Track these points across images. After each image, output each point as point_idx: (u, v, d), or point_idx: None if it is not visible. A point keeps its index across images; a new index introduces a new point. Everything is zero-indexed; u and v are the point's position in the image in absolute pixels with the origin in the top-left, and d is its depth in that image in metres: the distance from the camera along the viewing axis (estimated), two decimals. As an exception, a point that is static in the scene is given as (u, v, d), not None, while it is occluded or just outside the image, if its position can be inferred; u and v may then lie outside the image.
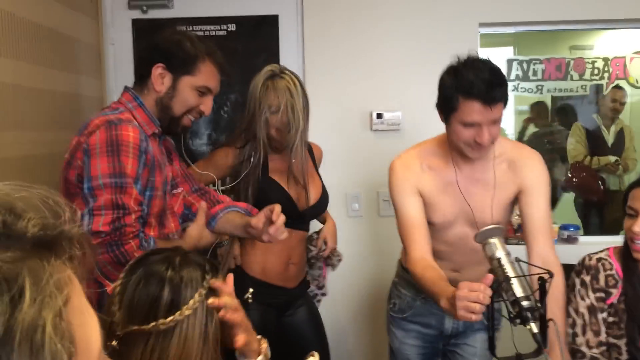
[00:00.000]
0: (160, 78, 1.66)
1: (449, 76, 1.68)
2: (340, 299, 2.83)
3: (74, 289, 0.51)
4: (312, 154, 2.23)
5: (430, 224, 1.83)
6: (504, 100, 1.64)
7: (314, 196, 2.13)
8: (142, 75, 1.70)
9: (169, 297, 1.07)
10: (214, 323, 1.11)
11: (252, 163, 2.04)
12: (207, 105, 1.71)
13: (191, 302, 1.07)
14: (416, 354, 2.01)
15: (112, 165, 1.51)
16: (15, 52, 2.09)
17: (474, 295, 1.42)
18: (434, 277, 1.66)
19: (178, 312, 1.06)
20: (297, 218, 2.07)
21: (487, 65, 1.65)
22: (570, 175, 3.52)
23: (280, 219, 1.65)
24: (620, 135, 3.53)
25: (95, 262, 1.47)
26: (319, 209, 2.19)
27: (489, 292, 1.42)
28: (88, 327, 0.52)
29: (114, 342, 1.04)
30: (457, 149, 1.75)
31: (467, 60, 1.67)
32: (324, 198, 2.18)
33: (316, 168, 2.24)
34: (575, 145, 3.48)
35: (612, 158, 3.49)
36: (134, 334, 1.06)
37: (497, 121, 1.65)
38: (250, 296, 1.97)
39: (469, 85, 1.60)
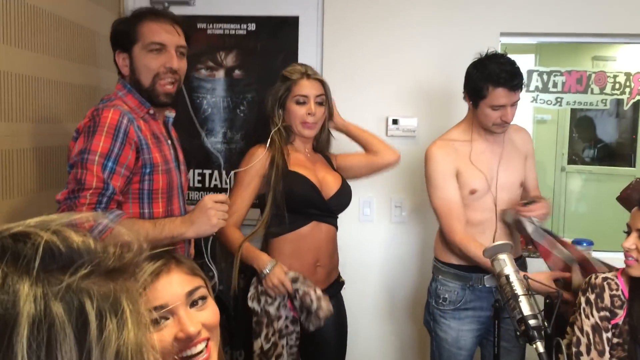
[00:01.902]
0: (123, 62, 1.76)
1: (476, 70, 2.08)
2: (348, 306, 2.83)
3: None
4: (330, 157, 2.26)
5: (475, 193, 2.17)
6: (522, 86, 2.10)
7: (335, 185, 2.13)
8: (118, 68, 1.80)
9: None
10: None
11: (275, 161, 2.06)
12: (169, 59, 1.73)
13: None
14: (472, 337, 2.21)
15: (84, 144, 1.60)
16: (36, 44, 2.11)
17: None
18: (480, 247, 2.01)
19: None
20: (324, 209, 2.07)
21: (507, 59, 2.08)
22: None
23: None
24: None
25: None
26: (343, 198, 2.16)
27: None
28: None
29: None
30: (484, 128, 2.16)
31: (490, 55, 2.10)
32: (345, 187, 2.17)
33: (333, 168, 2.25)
34: None
35: None
36: None
37: (516, 103, 2.10)
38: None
39: (496, 76, 2.02)
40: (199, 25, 2.92)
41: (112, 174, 1.60)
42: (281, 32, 2.91)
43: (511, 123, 2.19)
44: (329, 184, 2.12)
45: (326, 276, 2.10)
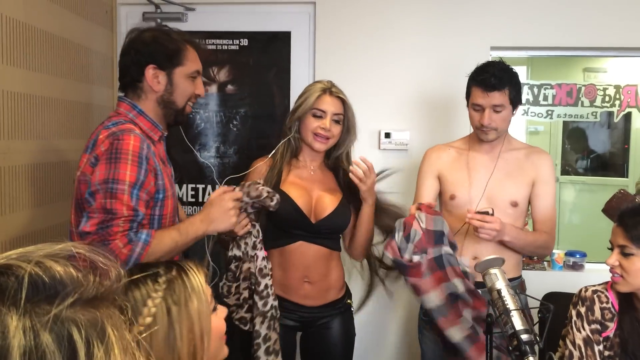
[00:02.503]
0: (155, 78, 1.71)
1: (472, 75, 2.14)
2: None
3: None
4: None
5: (454, 199, 2.15)
6: (502, 88, 2.05)
7: (330, 206, 2.06)
8: (132, 82, 1.74)
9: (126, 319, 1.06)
10: (183, 318, 1.06)
11: (268, 174, 2.05)
12: (199, 87, 1.81)
13: (145, 310, 1.04)
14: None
15: (108, 172, 1.58)
16: (28, 61, 2.12)
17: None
18: None
19: (136, 326, 1.02)
20: (311, 231, 2.03)
21: (497, 64, 2.13)
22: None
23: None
24: None
25: None
26: (335, 221, 2.07)
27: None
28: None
29: None
30: (476, 134, 2.18)
31: (487, 61, 2.19)
32: (339, 211, 2.07)
33: (342, 187, 2.15)
34: None
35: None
36: None
37: (498, 107, 2.06)
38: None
39: (476, 75, 2.10)
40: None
41: (139, 200, 1.61)
42: (273, 47, 2.93)
43: (538, 148, 2.21)
44: (324, 205, 2.06)
45: (317, 293, 2.05)
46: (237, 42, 2.93)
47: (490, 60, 2.20)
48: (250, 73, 2.95)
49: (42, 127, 2.23)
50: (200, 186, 2.99)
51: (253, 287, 1.90)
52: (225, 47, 2.94)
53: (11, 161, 2.02)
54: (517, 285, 2.16)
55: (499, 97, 2.05)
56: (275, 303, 1.92)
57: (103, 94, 2.80)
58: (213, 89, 2.98)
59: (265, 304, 1.88)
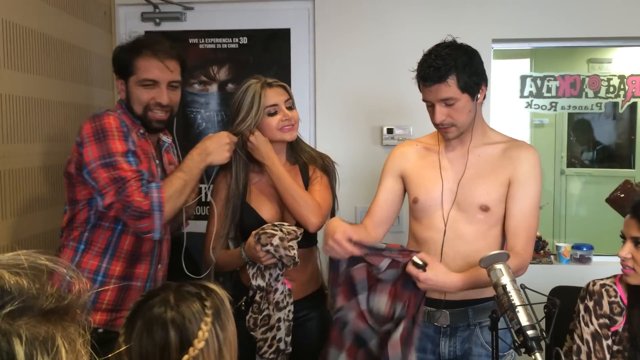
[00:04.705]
0: (120, 87, 1.90)
1: (417, 68, 1.83)
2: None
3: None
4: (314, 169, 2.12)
5: (417, 203, 1.88)
6: (444, 79, 1.74)
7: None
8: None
9: (177, 338, 1.06)
10: (227, 344, 1.10)
11: (231, 189, 2.00)
12: (159, 94, 1.86)
13: (200, 333, 1.07)
14: None
15: (99, 149, 1.73)
16: (27, 65, 2.11)
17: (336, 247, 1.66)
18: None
19: (191, 349, 1.05)
20: None
21: (438, 49, 1.80)
22: None
23: None
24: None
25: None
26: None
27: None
28: None
29: None
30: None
31: (430, 48, 1.84)
32: None
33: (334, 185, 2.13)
34: None
35: None
36: None
37: (448, 101, 1.76)
38: (243, 304, 1.97)
39: (418, 68, 1.81)
40: (191, 40, 2.92)
41: (138, 164, 1.75)
42: (273, 44, 2.91)
43: (522, 142, 1.88)
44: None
45: (296, 288, 2.02)
46: (237, 40, 2.91)
47: (440, 43, 1.84)
48: (250, 71, 2.91)
49: (41, 131, 2.22)
50: (203, 186, 2.97)
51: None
52: (225, 45, 2.92)
53: (10, 164, 2.01)
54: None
55: (445, 89, 1.74)
56: (288, 339, 1.91)
57: (102, 95, 2.78)
58: (213, 88, 2.96)
59: (274, 337, 1.88)
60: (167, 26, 2.90)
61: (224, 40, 2.92)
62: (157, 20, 2.89)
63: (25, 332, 0.49)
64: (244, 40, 2.92)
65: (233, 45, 2.92)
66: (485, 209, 1.79)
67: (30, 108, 2.14)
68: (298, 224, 1.95)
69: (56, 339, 0.51)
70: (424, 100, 1.82)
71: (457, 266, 1.76)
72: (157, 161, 1.92)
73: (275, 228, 1.84)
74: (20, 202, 2.06)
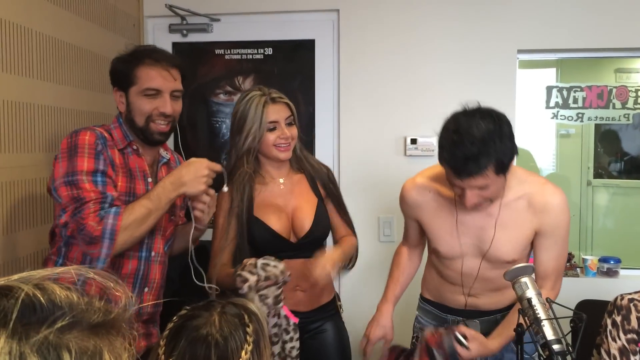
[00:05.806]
0: (119, 99, 1.82)
1: (442, 150, 1.64)
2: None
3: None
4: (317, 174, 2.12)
5: (437, 252, 1.91)
6: (481, 171, 1.59)
7: (309, 216, 2.02)
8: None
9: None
10: None
11: (235, 205, 1.97)
12: (163, 104, 1.79)
13: (243, 353, 1.09)
14: None
15: (67, 166, 1.67)
16: (58, 75, 2.17)
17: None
18: (392, 274, 2.10)
19: None
20: (294, 249, 1.98)
21: (468, 135, 1.58)
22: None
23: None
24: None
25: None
26: (315, 236, 2.02)
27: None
28: None
29: None
30: None
31: (455, 131, 1.62)
32: (318, 221, 2.03)
33: (314, 187, 2.10)
34: None
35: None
36: None
37: (483, 187, 1.64)
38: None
39: (445, 153, 1.62)
40: (217, 51, 2.96)
41: (105, 185, 1.68)
42: (298, 55, 2.94)
43: (544, 187, 1.79)
44: (302, 218, 2.01)
45: (309, 299, 2.01)
46: (262, 51, 2.95)
47: (467, 115, 1.63)
48: (275, 82, 2.96)
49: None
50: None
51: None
52: (250, 56, 2.96)
53: (35, 174, 2.06)
54: None
55: (482, 180, 1.61)
56: None
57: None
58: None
59: None
60: (194, 37, 2.95)
61: (250, 51, 2.95)
62: (184, 32, 2.94)
63: (74, 346, 0.50)
64: (269, 51, 2.95)
65: (258, 56, 2.96)
66: (512, 262, 1.73)
67: (60, 117, 2.19)
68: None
69: (103, 353, 0.52)
70: (455, 185, 1.67)
71: (484, 294, 1.88)
72: (150, 179, 1.84)
73: (254, 270, 1.68)
74: (36, 212, 2.11)
